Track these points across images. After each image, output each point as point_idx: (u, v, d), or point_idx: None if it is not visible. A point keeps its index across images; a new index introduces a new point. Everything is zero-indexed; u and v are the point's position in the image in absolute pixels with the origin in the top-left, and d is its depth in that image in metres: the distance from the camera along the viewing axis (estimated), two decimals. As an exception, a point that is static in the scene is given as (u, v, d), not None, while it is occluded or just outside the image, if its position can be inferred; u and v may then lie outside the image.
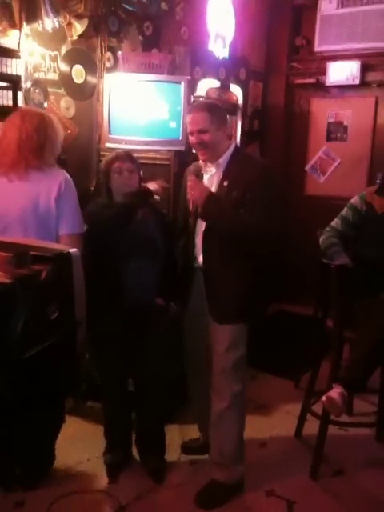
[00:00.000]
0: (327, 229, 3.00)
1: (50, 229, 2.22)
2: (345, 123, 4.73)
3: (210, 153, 2.35)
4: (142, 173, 2.53)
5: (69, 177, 2.28)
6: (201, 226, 2.39)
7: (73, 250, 1.61)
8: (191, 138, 2.37)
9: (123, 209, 2.39)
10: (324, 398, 2.38)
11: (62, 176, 2.25)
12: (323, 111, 4.83)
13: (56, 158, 2.35)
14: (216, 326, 2.40)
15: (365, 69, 4.48)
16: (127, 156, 2.50)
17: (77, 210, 2.28)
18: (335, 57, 4.59)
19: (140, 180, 2.53)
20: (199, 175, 2.39)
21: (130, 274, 2.43)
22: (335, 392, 2.36)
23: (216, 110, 2.38)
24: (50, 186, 2.21)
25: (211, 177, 2.40)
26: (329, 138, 4.83)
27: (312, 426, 2.83)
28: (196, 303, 2.48)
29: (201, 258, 2.41)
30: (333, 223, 3.02)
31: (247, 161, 2.42)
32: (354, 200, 3.01)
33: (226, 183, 2.32)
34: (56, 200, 2.20)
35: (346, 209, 3.01)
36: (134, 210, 2.41)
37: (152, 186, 2.52)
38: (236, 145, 2.50)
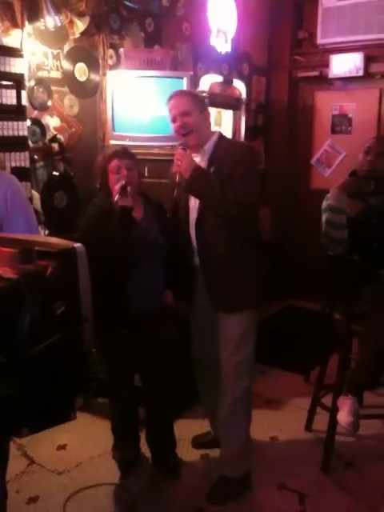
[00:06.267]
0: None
1: None
2: (349, 115, 4.72)
3: (196, 137, 2.29)
4: (146, 169, 2.50)
5: None
6: (192, 216, 2.34)
7: (77, 245, 1.61)
8: (174, 125, 2.31)
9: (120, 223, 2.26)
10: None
11: None
12: (327, 104, 4.82)
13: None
14: (225, 318, 2.36)
15: (368, 60, 4.46)
16: (125, 152, 2.38)
17: None
18: (338, 49, 4.57)
19: (139, 176, 2.45)
20: (187, 147, 2.28)
21: (136, 282, 2.37)
22: (341, 416, 2.42)
23: (197, 96, 2.42)
24: None
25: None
26: (333, 131, 4.81)
27: (322, 420, 2.82)
28: (200, 300, 2.46)
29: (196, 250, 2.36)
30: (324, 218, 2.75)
31: (230, 144, 2.41)
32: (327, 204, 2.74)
33: (212, 169, 2.28)
34: None
35: (326, 212, 2.75)
36: (130, 216, 2.28)
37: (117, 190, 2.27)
38: (220, 133, 2.44)
